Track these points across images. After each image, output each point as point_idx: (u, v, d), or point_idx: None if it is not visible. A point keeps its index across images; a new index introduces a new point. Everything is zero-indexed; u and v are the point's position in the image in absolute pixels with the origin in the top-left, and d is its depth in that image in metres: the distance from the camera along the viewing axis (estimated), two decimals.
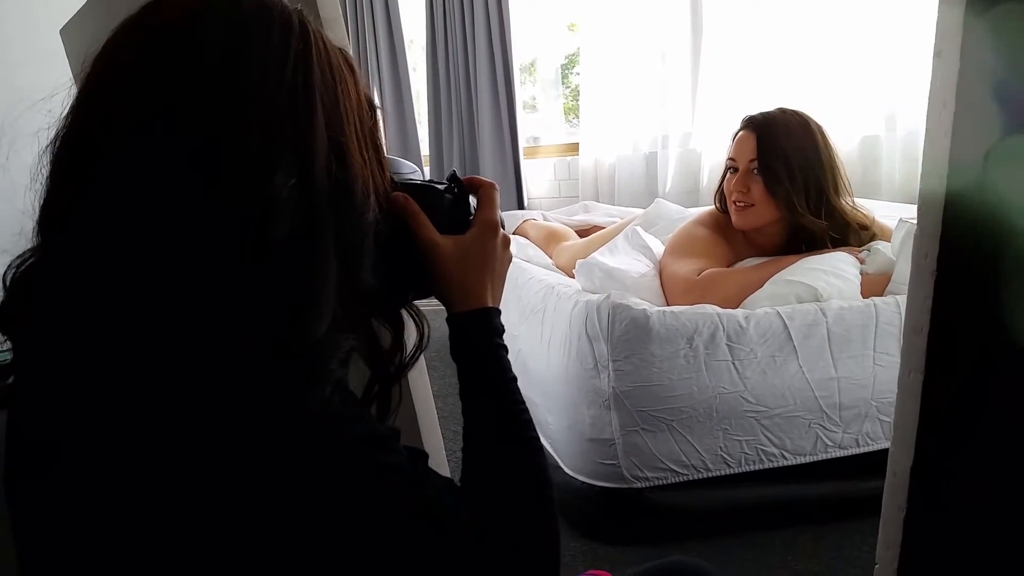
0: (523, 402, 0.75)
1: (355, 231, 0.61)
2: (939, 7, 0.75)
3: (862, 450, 1.75)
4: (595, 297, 1.76)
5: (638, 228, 2.16)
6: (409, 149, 4.92)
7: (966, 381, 0.82)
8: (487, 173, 4.65)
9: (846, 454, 1.75)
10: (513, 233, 3.31)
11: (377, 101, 4.18)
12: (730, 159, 1.95)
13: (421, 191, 0.75)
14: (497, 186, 0.80)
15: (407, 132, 4.84)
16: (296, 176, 0.56)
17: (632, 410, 1.70)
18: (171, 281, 0.53)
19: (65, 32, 2.20)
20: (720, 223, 2.05)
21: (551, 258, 2.88)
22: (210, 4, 0.59)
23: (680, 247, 2.02)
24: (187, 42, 0.57)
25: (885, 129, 3.75)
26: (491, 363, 0.75)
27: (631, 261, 2.00)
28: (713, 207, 2.12)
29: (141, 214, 0.53)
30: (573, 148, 4.71)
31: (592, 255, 2.02)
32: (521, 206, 4.69)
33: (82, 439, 0.54)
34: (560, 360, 1.85)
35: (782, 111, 1.92)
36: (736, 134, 1.95)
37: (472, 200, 0.80)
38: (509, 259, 0.80)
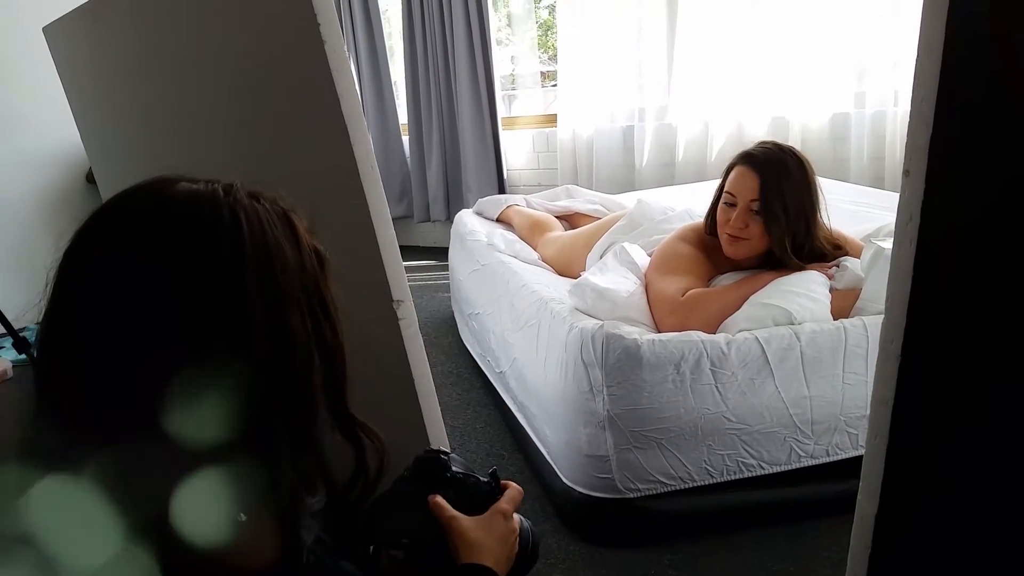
0: None
1: (302, 398, 0.68)
2: (908, 131, 0.87)
3: (832, 459, 1.94)
4: (589, 325, 1.91)
5: (625, 245, 2.29)
6: (387, 113, 4.96)
7: (923, 446, 0.98)
8: (466, 147, 4.71)
9: (817, 463, 1.94)
10: (497, 219, 3.42)
11: (354, 66, 4.11)
12: (728, 193, 2.03)
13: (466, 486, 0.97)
14: (523, 492, 1.00)
15: (383, 88, 4.86)
16: (238, 374, 0.62)
17: (625, 430, 1.87)
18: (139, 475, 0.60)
19: (48, 31, 2.25)
20: (702, 239, 2.18)
21: (536, 249, 3.00)
22: (144, 220, 0.65)
23: (664, 264, 2.15)
24: (123, 263, 0.63)
25: (855, 106, 3.88)
26: None
27: (620, 279, 2.13)
28: (693, 222, 2.25)
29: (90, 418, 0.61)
30: (551, 119, 4.79)
31: (584, 276, 2.16)
32: (501, 179, 4.77)
33: None
34: (557, 380, 2.00)
35: (779, 149, 2.01)
36: (732, 167, 2.04)
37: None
38: (512, 531, 0.96)
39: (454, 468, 0.96)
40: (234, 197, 0.68)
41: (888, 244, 2.02)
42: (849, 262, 2.08)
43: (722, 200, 2.06)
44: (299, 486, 0.69)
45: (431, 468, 0.96)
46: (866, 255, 2.03)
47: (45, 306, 0.65)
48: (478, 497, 0.95)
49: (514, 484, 0.98)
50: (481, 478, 0.98)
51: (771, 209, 1.96)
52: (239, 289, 0.64)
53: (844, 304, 2.01)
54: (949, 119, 0.83)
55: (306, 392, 0.69)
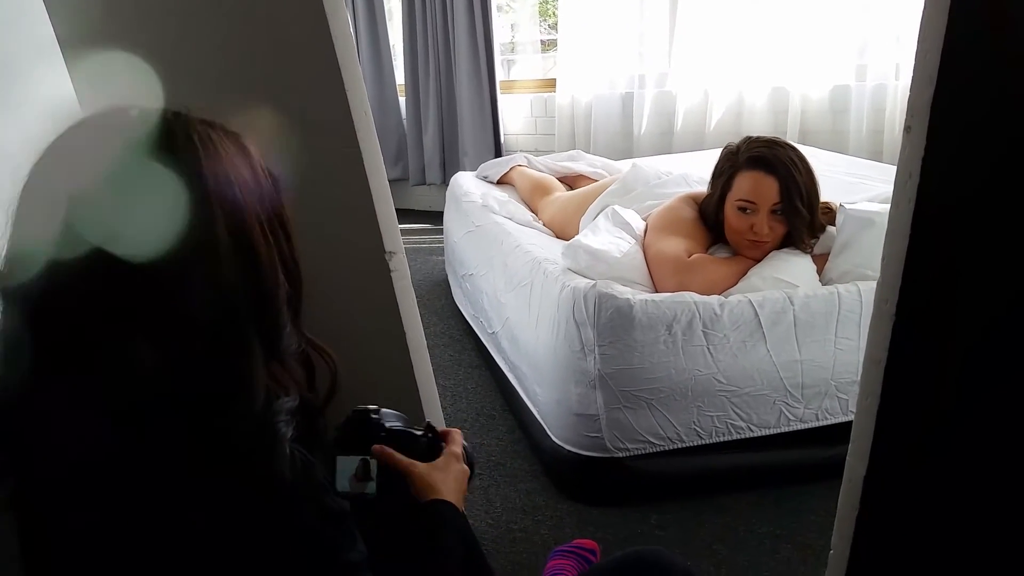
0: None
1: (270, 310, 0.72)
2: (911, 86, 0.86)
3: (821, 423, 1.95)
4: (582, 284, 1.90)
5: (616, 207, 2.27)
6: (384, 75, 4.90)
7: (915, 408, 0.98)
8: (463, 110, 4.67)
9: (807, 427, 1.94)
10: (500, 180, 3.39)
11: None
12: (746, 201, 1.97)
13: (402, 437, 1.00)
14: (461, 432, 1.08)
15: (380, 50, 4.80)
16: (209, 286, 0.66)
17: (615, 390, 1.87)
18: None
19: None
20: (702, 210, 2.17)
21: (536, 211, 2.99)
22: (100, 143, 0.67)
23: (667, 225, 2.13)
24: (82, 187, 0.65)
25: (855, 79, 3.85)
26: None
27: (613, 239, 2.12)
28: (694, 191, 2.23)
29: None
30: (550, 84, 4.74)
31: (576, 238, 2.14)
32: (497, 143, 4.73)
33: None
34: (548, 339, 2.00)
35: (777, 144, 1.97)
36: (740, 172, 1.98)
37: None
38: (465, 472, 1.03)
39: (387, 424, 0.98)
40: (186, 119, 0.70)
41: (866, 207, 2.02)
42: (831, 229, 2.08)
43: (735, 208, 1.99)
44: (272, 383, 0.73)
45: (363, 430, 0.97)
46: (840, 220, 2.02)
47: (8, 238, 0.66)
48: (418, 449, 0.99)
49: (454, 428, 1.07)
50: (415, 431, 1.01)
51: (794, 208, 1.93)
52: (200, 205, 0.66)
53: (816, 267, 2.02)
54: (953, 74, 0.82)
55: (273, 303, 0.73)
